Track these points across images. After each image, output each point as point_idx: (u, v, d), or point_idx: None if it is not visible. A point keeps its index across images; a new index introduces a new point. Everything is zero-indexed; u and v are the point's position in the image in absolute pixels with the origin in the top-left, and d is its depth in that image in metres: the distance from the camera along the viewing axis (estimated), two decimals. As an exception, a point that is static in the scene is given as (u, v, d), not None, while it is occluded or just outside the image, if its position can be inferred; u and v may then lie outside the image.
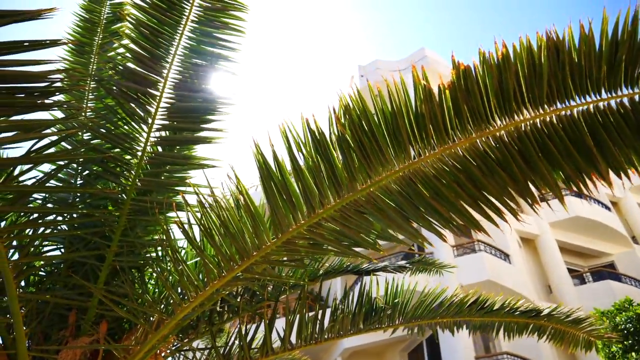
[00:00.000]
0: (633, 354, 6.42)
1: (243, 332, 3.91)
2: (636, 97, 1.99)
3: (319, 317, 3.88)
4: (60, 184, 3.89)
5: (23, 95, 2.61)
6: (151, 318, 3.39)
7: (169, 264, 3.54)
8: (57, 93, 2.66)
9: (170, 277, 3.44)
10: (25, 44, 2.38)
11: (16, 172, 2.99)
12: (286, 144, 2.38)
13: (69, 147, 3.93)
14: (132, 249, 3.64)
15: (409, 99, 2.17)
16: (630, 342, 6.54)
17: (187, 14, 3.64)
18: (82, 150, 3.97)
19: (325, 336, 3.95)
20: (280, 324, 3.98)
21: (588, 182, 2.13)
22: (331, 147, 2.34)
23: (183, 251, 4.17)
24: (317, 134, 2.33)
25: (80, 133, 4.02)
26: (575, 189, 2.13)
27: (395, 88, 2.16)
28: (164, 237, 3.61)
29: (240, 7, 3.67)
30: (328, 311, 4.00)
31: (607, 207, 20.30)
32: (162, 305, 3.64)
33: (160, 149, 3.86)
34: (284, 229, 2.56)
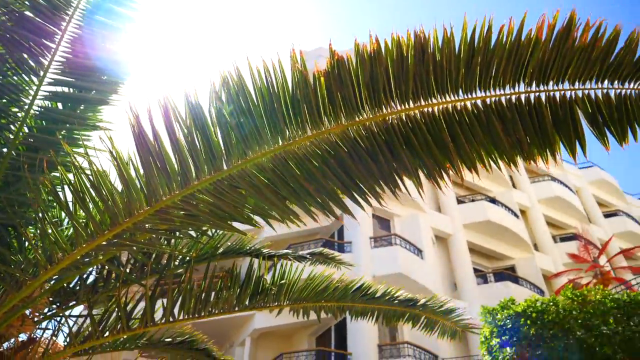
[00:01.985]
0: (507, 348, 6.98)
1: (125, 302, 3.84)
2: (487, 100, 2.16)
3: (204, 291, 3.89)
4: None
5: None
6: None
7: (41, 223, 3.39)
8: None
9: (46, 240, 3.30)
10: None
11: None
12: (163, 116, 2.36)
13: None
14: (12, 205, 3.46)
15: (286, 83, 2.22)
16: (507, 337, 7.10)
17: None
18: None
19: (210, 310, 3.97)
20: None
21: (445, 175, 2.29)
22: (209, 121, 2.35)
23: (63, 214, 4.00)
24: (196, 107, 2.33)
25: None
26: (432, 179, 2.28)
27: (274, 70, 2.20)
28: (45, 196, 3.47)
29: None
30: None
31: (515, 215, 21.72)
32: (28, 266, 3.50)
33: (52, 104, 3.68)
34: (157, 198, 2.54)
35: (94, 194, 2.60)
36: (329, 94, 2.21)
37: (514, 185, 25.12)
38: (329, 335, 15.89)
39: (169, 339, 5.24)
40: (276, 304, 4.10)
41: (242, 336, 16.62)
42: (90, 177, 2.56)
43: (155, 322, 3.84)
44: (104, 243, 2.66)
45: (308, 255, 5.29)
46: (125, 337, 4.65)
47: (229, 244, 5.14)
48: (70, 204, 2.95)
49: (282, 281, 4.06)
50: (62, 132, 3.68)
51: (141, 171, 2.53)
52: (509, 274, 18.71)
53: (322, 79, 2.20)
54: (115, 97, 3.70)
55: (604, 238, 24.71)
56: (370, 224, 17.36)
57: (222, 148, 2.41)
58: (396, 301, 4.30)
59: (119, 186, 2.56)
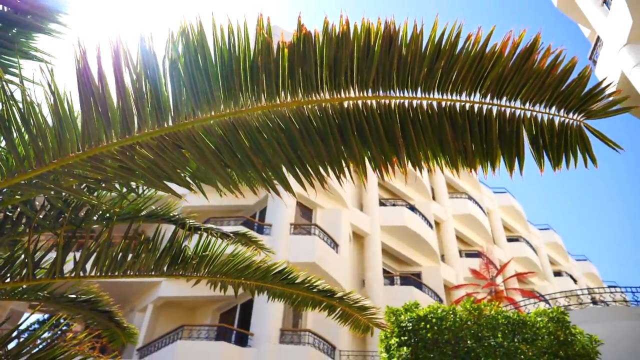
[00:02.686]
0: (404, 347, 7.34)
1: (33, 249, 3.59)
2: (443, 103, 2.24)
3: (121, 250, 3.73)
4: None
5: None
6: None
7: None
8: None
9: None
10: None
11: None
12: (113, 58, 2.21)
13: None
14: None
15: (248, 48, 2.17)
16: (406, 338, 7.47)
17: None
18: None
19: (125, 270, 3.81)
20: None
21: (390, 168, 2.35)
22: (161, 72, 2.24)
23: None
24: (149, 54, 2.21)
25: None
26: (377, 170, 2.33)
27: (237, 32, 2.14)
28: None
29: None
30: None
31: (430, 225, 22.79)
32: None
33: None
34: (93, 143, 2.39)
35: (21, 125, 2.39)
36: (290, 68, 2.19)
37: (433, 197, 26.33)
38: (233, 313, 15.83)
39: (73, 296, 4.98)
40: (195, 274, 4.02)
41: (144, 302, 16.14)
42: (21, 106, 2.36)
43: (63, 275, 3.62)
44: (23, 182, 2.47)
45: (232, 234, 5.23)
46: (26, 286, 4.37)
47: (154, 207, 4.96)
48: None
49: (205, 253, 3.98)
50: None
51: (79, 111, 2.36)
52: (414, 280, 19.60)
53: (286, 50, 2.17)
54: (55, 26, 3.41)
55: (504, 260, 26.58)
56: (293, 210, 17.45)
57: (171, 103, 2.31)
58: (315, 289, 4.37)
59: (52, 123, 2.38)
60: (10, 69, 3.31)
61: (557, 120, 2.08)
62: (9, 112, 2.41)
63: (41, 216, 3.94)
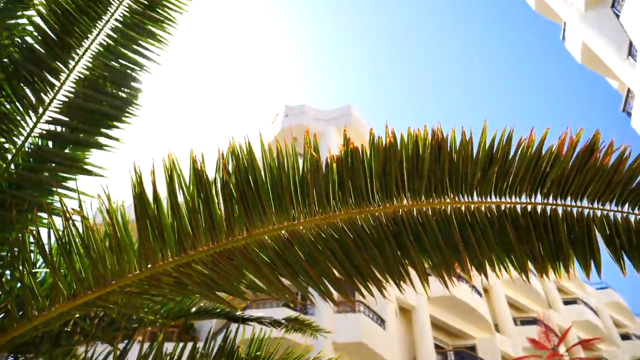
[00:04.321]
0: None
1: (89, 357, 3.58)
2: (502, 206, 2.16)
3: (176, 356, 3.66)
4: None
5: None
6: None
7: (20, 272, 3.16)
8: None
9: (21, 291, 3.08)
10: None
11: None
12: (167, 179, 2.28)
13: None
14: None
15: (297, 164, 2.19)
16: None
17: (112, 10, 3.47)
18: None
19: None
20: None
21: (451, 272, 2.25)
22: (214, 192, 2.28)
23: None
24: (201, 175, 2.27)
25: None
26: (439, 276, 2.24)
27: (286, 150, 2.18)
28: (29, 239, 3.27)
29: (170, 19, 3.58)
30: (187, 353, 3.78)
31: (479, 293, 21.80)
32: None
33: (44, 140, 3.54)
34: (150, 263, 2.42)
35: (82, 250, 2.45)
36: (339, 181, 2.19)
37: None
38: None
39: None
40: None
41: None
42: (80, 230, 2.43)
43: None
44: (89, 302, 2.49)
45: (284, 321, 5.10)
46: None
47: (202, 304, 4.93)
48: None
49: (258, 353, 3.86)
50: (51, 173, 3.52)
51: (136, 233, 2.41)
52: (469, 354, 18.49)
53: (334, 165, 2.19)
54: (112, 142, 3.59)
55: (563, 325, 24.90)
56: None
57: (224, 220, 2.33)
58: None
59: (110, 245, 2.43)
60: (67, 186, 3.47)
61: (632, 218, 1.96)
62: (69, 236, 2.48)
63: (95, 325, 3.95)
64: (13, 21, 3.81)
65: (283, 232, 2.30)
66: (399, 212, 2.20)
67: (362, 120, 22.12)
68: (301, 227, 2.29)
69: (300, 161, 2.24)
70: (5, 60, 3.45)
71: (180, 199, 2.35)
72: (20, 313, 2.90)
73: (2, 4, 3.82)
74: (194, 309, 4.66)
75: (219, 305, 4.96)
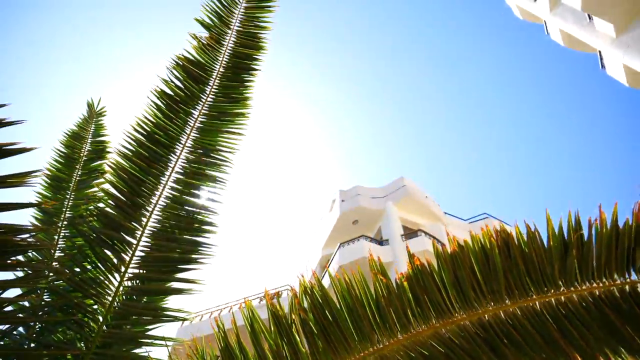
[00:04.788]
0: None
1: None
2: (595, 291, 2.05)
3: None
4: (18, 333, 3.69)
5: None
6: None
7: None
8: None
9: None
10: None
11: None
12: (249, 327, 2.35)
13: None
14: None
15: (369, 290, 2.21)
16: None
17: (172, 165, 3.78)
18: (46, 292, 3.84)
19: None
20: None
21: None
22: (294, 330, 2.31)
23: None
24: (279, 317, 2.32)
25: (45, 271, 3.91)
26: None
27: (355, 280, 2.21)
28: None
29: (224, 162, 3.85)
30: None
31: None
32: None
33: (128, 296, 3.76)
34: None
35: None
36: (414, 297, 2.17)
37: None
38: None
39: None
40: None
41: None
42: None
43: None
44: None
45: None
46: None
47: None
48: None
49: None
50: (140, 326, 3.70)
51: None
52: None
53: (405, 284, 2.18)
54: (192, 286, 3.75)
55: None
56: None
57: (310, 356, 2.33)
58: None
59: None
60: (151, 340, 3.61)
61: None
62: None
63: None
64: (89, 191, 4.24)
65: (370, 358, 2.26)
66: (484, 317, 2.14)
67: (417, 188, 21.98)
68: (387, 350, 2.25)
69: (371, 285, 2.26)
70: (85, 228, 3.79)
71: (265, 343, 2.39)
72: None
73: (77, 177, 4.28)
74: None
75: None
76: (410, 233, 18.53)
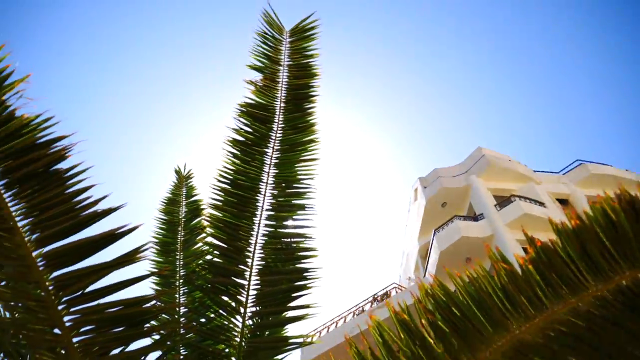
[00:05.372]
0: None
1: None
2: None
3: None
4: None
5: (127, 327, 2.91)
6: None
7: None
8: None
9: None
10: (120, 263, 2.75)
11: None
12: (379, 339, 2.39)
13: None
14: None
15: (493, 280, 2.17)
16: None
17: (260, 204, 3.96)
18: (181, 347, 4.11)
19: None
20: None
21: None
22: (425, 333, 2.32)
23: None
24: (407, 324, 2.34)
25: (177, 332, 4.20)
26: None
27: (477, 274, 2.19)
28: None
29: (307, 188, 3.97)
30: None
31: None
32: None
33: (251, 334, 3.95)
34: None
35: None
36: (542, 278, 2.11)
37: None
38: None
39: None
40: None
41: None
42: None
43: None
44: None
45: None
46: None
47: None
48: None
49: None
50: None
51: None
52: None
53: (530, 267, 2.12)
54: (307, 311, 3.88)
55: None
56: None
57: (447, 355, 2.33)
58: None
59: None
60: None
61: None
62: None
63: None
64: (194, 247, 4.54)
65: (508, 346, 2.22)
66: (622, 282, 2.02)
67: (497, 154, 21.09)
68: (524, 336, 2.19)
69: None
70: (200, 281, 4.05)
71: (396, 350, 2.42)
72: None
73: (182, 238, 4.59)
74: None
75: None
76: (503, 201, 17.81)
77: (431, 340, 2.33)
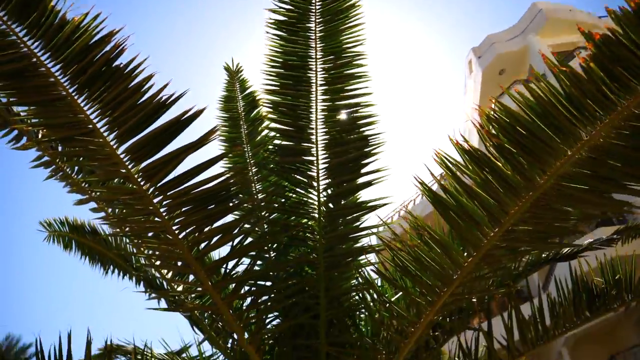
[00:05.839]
0: None
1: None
2: None
3: (537, 316, 3.74)
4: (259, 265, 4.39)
5: (214, 205, 3.17)
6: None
7: (373, 305, 3.78)
8: (235, 196, 3.18)
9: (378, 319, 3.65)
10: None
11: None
12: (446, 170, 2.46)
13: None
14: (338, 300, 3.96)
15: (554, 89, 2.12)
16: None
17: (314, 80, 3.98)
18: (266, 229, 4.43)
19: (551, 333, 3.78)
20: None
21: None
22: (492, 159, 2.36)
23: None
24: (473, 151, 2.38)
25: (258, 214, 4.51)
26: None
27: (538, 86, 2.14)
28: (364, 282, 3.87)
29: (356, 56, 3.93)
30: (546, 308, 3.82)
31: None
32: (381, 346, 3.86)
33: (329, 206, 4.18)
34: (475, 246, 2.61)
35: (416, 265, 2.80)
36: (607, 74, 2.03)
37: None
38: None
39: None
40: (620, 303, 3.70)
41: (553, 352, 15.28)
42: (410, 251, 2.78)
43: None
44: (444, 302, 2.81)
45: (617, 236, 4.70)
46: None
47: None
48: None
49: (617, 277, 3.66)
50: (349, 225, 4.09)
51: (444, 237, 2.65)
52: None
53: (591, 64, 2.04)
54: (376, 175, 4.01)
55: None
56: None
57: (518, 175, 2.37)
58: None
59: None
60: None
61: None
62: (400, 259, 2.87)
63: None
64: (259, 138, 4.70)
65: (580, 153, 2.22)
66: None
67: (555, 7, 19.35)
68: (595, 140, 2.18)
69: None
70: (272, 165, 4.27)
71: (466, 184, 2.51)
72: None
73: (245, 131, 4.77)
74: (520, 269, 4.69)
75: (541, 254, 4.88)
76: (566, 56, 16.64)
77: (499, 163, 2.37)
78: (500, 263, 2.71)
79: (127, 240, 5.48)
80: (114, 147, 2.93)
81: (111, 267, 5.76)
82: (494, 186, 2.42)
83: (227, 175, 4.89)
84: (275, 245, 4.38)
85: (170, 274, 4.27)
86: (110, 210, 4.04)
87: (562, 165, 2.26)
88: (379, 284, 4.20)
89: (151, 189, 3.03)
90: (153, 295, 5.12)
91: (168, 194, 3.06)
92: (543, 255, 4.86)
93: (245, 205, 3.74)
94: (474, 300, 4.35)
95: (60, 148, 3.97)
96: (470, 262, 2.65)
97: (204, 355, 4.84)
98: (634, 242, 5.01)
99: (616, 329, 14.77)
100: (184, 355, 5.09)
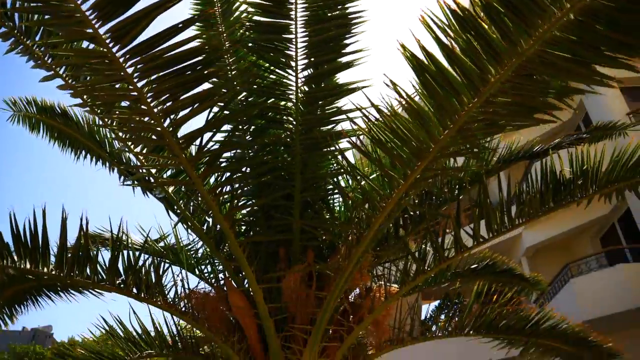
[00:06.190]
0: None
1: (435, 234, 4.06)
2: None
3: (504, 203, 3.85)
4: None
5: (190, 72, 3.03)
6: (349, 238, 3.69)
7: (348, 186, 3.83)
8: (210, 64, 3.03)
9: (351, 197, 3.70)
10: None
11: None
12: (431, 32, 2.35)
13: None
14: (313, 183, 3.99)
15: None
16: None
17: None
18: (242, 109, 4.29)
19: (516, 222, 3.92)
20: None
21: None
22: (478, 19, 2.25)
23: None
24: (459, 11, 2.26)
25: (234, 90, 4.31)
26: None
27: None
28: (341, 163, 3.88)
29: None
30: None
31: None
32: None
33: (307, 87, 4.06)
34: (452, 117, 2.57)
35: (392, 137, 2.78)
36: None
37: None
38: (614, 233, 14.31)
39: (475, 265, 5.39)
40: (584, 195, 3.81)
41: (514, 259, 16.19)
42: (386, 122, 2.74)
43: (466, 247, 3.96)
44: (417, 178, 2.83)
45: (586, 135, 4.78)
46: (434, 274, 4.89)
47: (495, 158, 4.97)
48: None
49: (584, 167, 3.74)
50: (329, 106, 4.03)
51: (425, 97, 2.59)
52: None
53: None
54: (357, 55, 3.87)
55: None
56: (620, 100, 14.76)
57: (502, 40, 2.29)
58: None
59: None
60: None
61: None
62: (376, 132, 2.84)
63: (425, 207, 4.45)
64: (233, 17, 4.42)
65: (569, 16, 2.13)
66: None
67: None
68: None
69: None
70: (248, 42, 4.07)
71: (451, 46, 2.41)
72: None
73: (219, 10, 4.46)
74: (491, 164, 4.76)
75: (513, 151, 4.95)
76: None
77: (485, 25, 2.27)
78: (476, 139, 2.70)
79: (100, 122, 5.28)
80: (78, 2, 2.70)
81: (83, 151, 5.63)
82: (477, 51, 2.34)
83: (202, 39, 4.69)
84: (253, 128, 4.30)
85: (145, 151, 4.18)
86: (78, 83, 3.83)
87: (549, 28, 2.18)
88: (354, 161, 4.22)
89: (121, 52, 2.85)
90: (128, 180, 5.08)
91: (139, 57, 2.89)
92: (516, 152, 4.95)
93: (221, 73, 3.60)
94: (446, 190, 4.45)
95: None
96: (446, 135, 2.63)
97: (181, 244, 4.91)
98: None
99: (573, 243, 15.65)
100: (161, 244, 5.16)
